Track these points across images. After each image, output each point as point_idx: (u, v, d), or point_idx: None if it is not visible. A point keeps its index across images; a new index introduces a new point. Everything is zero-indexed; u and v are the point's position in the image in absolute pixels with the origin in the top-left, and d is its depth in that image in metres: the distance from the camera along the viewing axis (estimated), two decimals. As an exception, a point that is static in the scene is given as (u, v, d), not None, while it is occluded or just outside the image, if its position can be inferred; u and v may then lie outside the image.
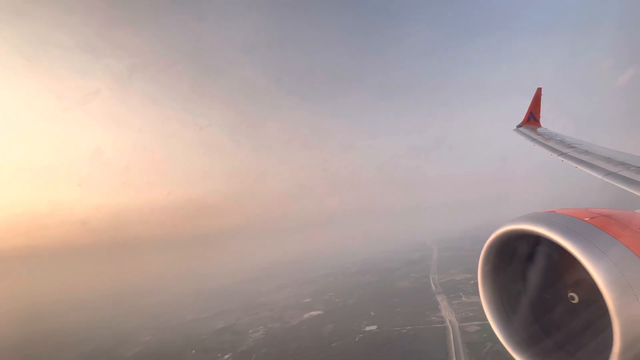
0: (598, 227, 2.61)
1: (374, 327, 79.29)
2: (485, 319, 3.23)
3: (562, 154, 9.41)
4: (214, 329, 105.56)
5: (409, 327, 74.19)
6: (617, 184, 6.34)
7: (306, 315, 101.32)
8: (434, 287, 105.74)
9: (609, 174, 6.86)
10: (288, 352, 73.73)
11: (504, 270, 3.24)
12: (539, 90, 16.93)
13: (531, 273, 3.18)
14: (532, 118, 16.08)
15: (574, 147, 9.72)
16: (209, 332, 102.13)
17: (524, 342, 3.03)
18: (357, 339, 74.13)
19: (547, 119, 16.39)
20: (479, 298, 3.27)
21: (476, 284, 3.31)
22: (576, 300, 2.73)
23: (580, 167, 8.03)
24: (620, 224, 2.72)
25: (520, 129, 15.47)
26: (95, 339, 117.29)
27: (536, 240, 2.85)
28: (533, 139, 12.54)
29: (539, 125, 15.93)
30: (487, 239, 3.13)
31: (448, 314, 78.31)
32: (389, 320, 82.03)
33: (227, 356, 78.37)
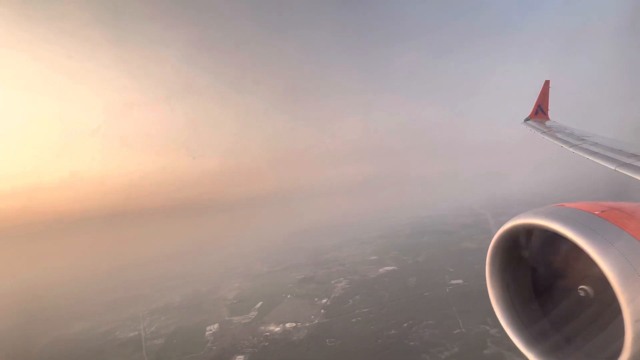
0: (606, 219, 2.65)
1: (460, 281, 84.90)
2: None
3: (573, 145, 9.44)
4: (295, 279, 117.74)
5: (498, 281, 78.72)
6: (631, 175, 6.38)
7: (381, 270, 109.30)
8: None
9: (622, 164, 6.85)
10: (383, 299, 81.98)
11: (512, 265, 3.25)
12: (547, 83, 16.48)
13: (540, 267, 3.21)
14: (540, 111, 15.88)
15: (583, 139, 9.75)
16: (293, 282, 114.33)
17: (534, 337, 3.03)
18: (447, 290, 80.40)
19: (554, 112, 16.12)
20: None
21: None
22: (585, 292, 2.74)
23: (592, 158, 8.04)
24: (629, 215, 2.75)
25: (529, 122, 15.13)
26: (189, 285, 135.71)
27: (544, 234, 2.86)
28: (543, 132, 12.46)
29: (547, 118, 15.61)
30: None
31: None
32: (472, 276, 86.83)
33: (324, 300, 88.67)
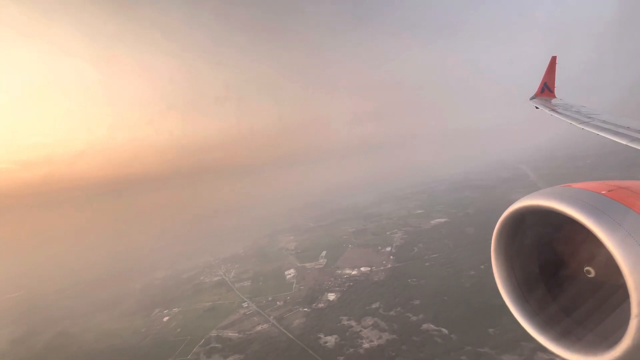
0: (614, 198, 2.62)
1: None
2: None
3: (582, 122, 9.34)
4: (348, 231, 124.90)
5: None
6: None
7: (433, 222, 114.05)
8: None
9: (634, 140, 6.80)
10: (448, 246, 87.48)
11: (518, 248, 3.24)
12: (554, 59, 15.59)
13: (547, 249, 3.17)
14: (546, 89, 15.33)
15: (591, 117, 9.65)
16: (347, 234, 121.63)
17: (540, 318, 3.04)
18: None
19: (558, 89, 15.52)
20: None
21: None
22: (592, 274, 2.73)
23: (603, 134, 7.92)
24: (637, 194, 2.70)
25: (535, 100, 14.53)
26: (244, 239, 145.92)
27: (551, 215, 2.79)
28: (551, 109, 12.17)
29: (554, 96, 15.07)
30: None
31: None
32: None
33: (388, 248, 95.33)
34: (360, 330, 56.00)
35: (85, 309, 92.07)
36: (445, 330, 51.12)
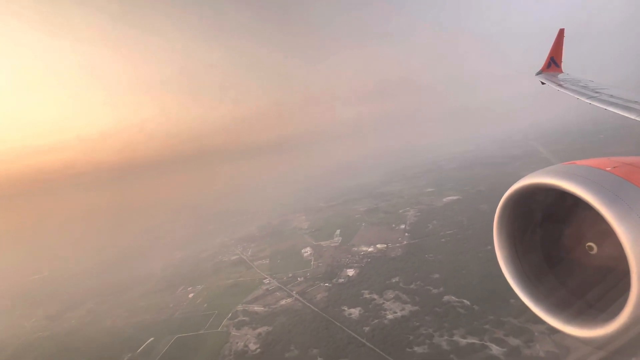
0: (622, 177, 2.57)
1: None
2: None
3: (590, 97, 9.26)
4: (360, 210, 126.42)
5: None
6: None
7: (445, 200, 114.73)
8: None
9: None
10: (463, 223, 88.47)
11: (521, 226, 3.22)
12: (561, 32, 14.97)
13: (550, 227, 3.17)
14: (552, 64, 14.98)
15: (599, 92, 9.57)
16: (359, 213, 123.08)
17: (542, 296, 3.04)
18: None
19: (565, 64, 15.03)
20: None
21: None
22: (594, 250, 2.75)
23: (611, 109, 7.82)
24: None
25: (541, 76, 14.20)
26: (256, 219, 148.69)
27: (556, 193, 2.73)
28: (558, 85, 11.95)
29: (561, 71, 14.76)
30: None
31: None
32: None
33: (402, 226, 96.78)
34: (383, 303, 58.21)
35: (110, 287, 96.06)
36: (467, 302, 52.96)
